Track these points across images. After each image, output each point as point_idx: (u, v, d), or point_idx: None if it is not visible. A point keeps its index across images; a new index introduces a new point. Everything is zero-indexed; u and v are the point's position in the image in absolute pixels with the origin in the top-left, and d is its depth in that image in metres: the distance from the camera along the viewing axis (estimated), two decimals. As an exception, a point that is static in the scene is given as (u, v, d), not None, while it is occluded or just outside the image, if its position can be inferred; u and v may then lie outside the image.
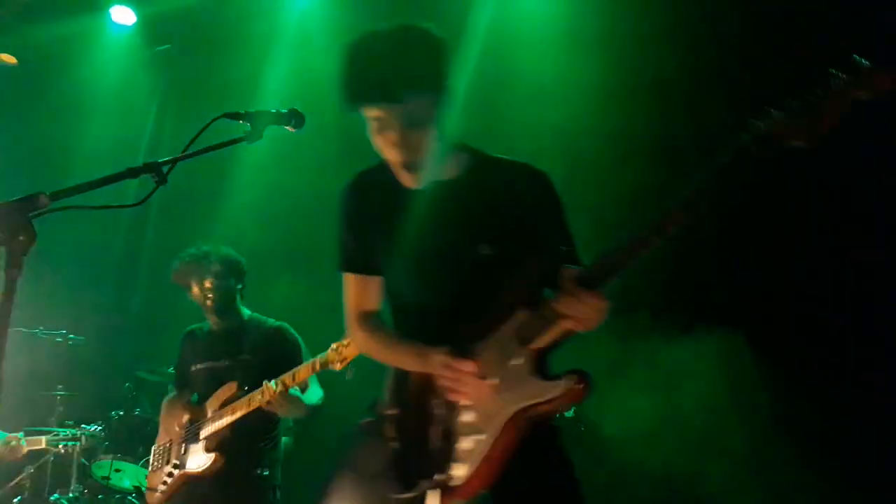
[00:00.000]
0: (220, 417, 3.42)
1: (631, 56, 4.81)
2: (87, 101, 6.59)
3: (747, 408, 4.07)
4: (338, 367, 3.10)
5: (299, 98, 5.73)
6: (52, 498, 4.80)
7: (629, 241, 1.66)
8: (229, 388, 3.47)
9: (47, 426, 5.09)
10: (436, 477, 1.80)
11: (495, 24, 5.28)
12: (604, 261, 1.70)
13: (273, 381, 3.22)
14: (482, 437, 1.77)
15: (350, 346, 3.07)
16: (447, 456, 1.82)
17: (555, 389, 1.72)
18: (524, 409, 1.74)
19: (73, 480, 4.87)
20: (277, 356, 3.50)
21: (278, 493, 3.58)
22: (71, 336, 5.39)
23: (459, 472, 1.78)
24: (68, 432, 4.74)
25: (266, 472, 3.52)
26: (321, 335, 3.24)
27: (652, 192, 4.56)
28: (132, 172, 1.85)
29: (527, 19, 5.26)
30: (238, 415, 3.35)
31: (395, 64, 1.82)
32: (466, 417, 1.83)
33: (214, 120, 1.94)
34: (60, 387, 5.35)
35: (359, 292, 2.10)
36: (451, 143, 2.02)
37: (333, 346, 3.13)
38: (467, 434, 1.81)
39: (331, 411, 3.59)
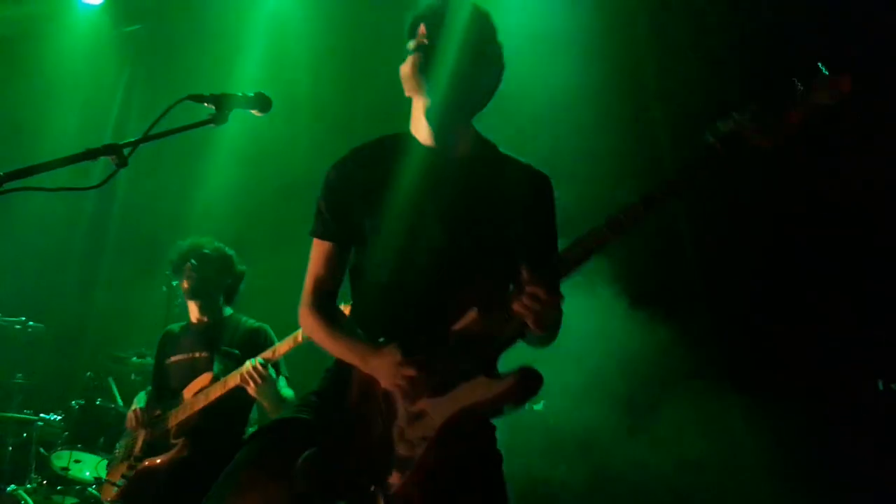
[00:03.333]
0: (194, 404, 3.40)
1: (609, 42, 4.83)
2: (54, 80, 6.43)
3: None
4: None
5: (272, 81, 5.64)
6: (9, 489, 4.66)
7: (587, 237, 1.64)
8: (205, 378, 3.44)
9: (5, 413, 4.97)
10: (373, 487, 1.70)
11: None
12: (562, 257, 1.68)
13: (253, 359, 3.22)
14: (421, 443, 1.68)
15: None
16: (385, 462, 1.72)
17: (500, 387, 1.65)
18: (467, 410, 1.67)
19: (31, 471, 4.76)
20: (254, 354, 3.44)
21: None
22: (31, 323, 5.25)
23: (395, 479, 1.67)
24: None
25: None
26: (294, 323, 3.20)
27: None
28: (91, 154, 1.80)
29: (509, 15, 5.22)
30: (213, 398, 3.33)
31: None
32: (407, 422, 1.74)
33: (178, 102, 1.88)
34: (19, 375, 5.22)
35: (321, 263, 2.00)
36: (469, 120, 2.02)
37: None
38: (407, 439, 1.71)
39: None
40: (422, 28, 1.93)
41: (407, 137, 2.01)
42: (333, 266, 2.00)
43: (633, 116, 4.77)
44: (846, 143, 3.99)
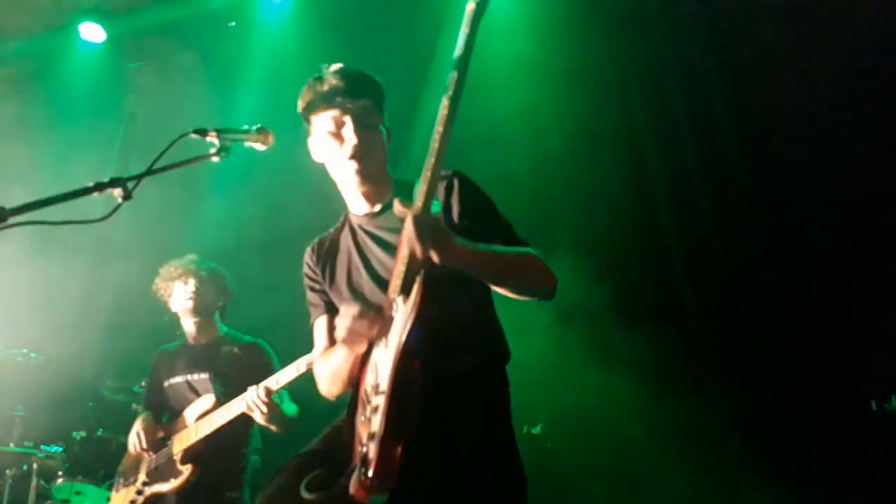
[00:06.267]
0: (197, 430, 3.40)
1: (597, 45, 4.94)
2: (57, 116, 6.52)
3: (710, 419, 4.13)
4: None
5: (271, 117, 5.72)
6: (8, 522, 4.67)
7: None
8: (206, 402, 3.46)
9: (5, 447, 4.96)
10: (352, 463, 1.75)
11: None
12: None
13: (256, 386, 3.21)
14: (383, 394, 1.70)
15: None
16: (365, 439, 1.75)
17: (414, 292, 1.72)
18: (407, 343, 1.68)
19: (32, 503, 4.74)
20: (251, 371, 3.49)
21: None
22: (32, 354, 5.27)
23: (373, 445, 1.68)
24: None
25: (235, 494, 3.48)
26: (298, 347, 3.24)
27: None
28: (97, 188, 1.86)
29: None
30: (217, 425, 3.34)
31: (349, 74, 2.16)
32: (373, 390, 1.78)
33: (182, 136, 1.95)
34: (20, 407, 5.22)
35: (322, 334, 2.25)
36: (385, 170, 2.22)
37: None
38: (373, 406, 1.74)
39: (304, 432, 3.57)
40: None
41: (348, 216, 2.29)
42: (331, 330, 2.20)
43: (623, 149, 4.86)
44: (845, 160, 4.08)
